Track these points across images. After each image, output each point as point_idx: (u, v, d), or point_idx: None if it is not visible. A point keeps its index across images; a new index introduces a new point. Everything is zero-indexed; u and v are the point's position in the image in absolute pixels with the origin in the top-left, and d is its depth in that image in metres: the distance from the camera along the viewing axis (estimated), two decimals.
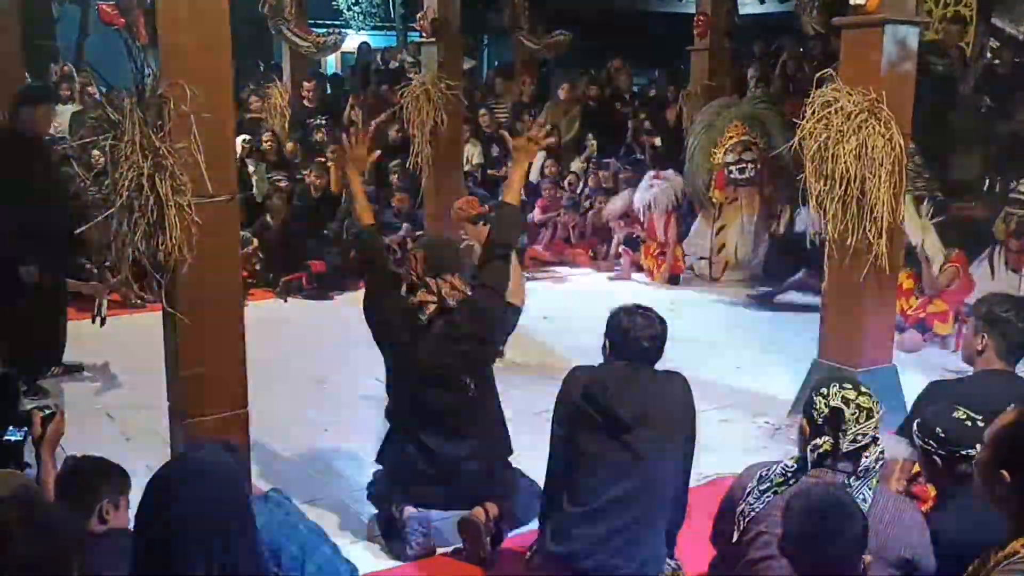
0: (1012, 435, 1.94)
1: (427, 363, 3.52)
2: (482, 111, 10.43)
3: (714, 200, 8.15)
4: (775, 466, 2.66)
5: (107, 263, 7.19)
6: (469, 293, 3.58)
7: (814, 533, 2.24)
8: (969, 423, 2.75)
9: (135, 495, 3.89)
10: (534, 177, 9.97)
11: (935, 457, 2.75)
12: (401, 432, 3.67)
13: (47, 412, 2.98)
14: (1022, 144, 7.67)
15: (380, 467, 3.84)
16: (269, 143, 9.33)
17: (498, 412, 3.72)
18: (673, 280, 8.08)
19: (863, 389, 2.61)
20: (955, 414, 2.76)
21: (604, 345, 3.12)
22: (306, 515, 3.25)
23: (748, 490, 2.63)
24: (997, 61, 8.77)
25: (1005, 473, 1.90)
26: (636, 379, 2.99)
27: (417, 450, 3.59)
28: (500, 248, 3.66)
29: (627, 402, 2.92)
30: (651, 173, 8.53)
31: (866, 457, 2.54)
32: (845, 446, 2.52)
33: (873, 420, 2.55)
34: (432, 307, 3.55)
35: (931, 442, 2.75)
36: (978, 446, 2.56)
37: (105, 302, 6.06)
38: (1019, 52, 8.79)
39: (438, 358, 3.51)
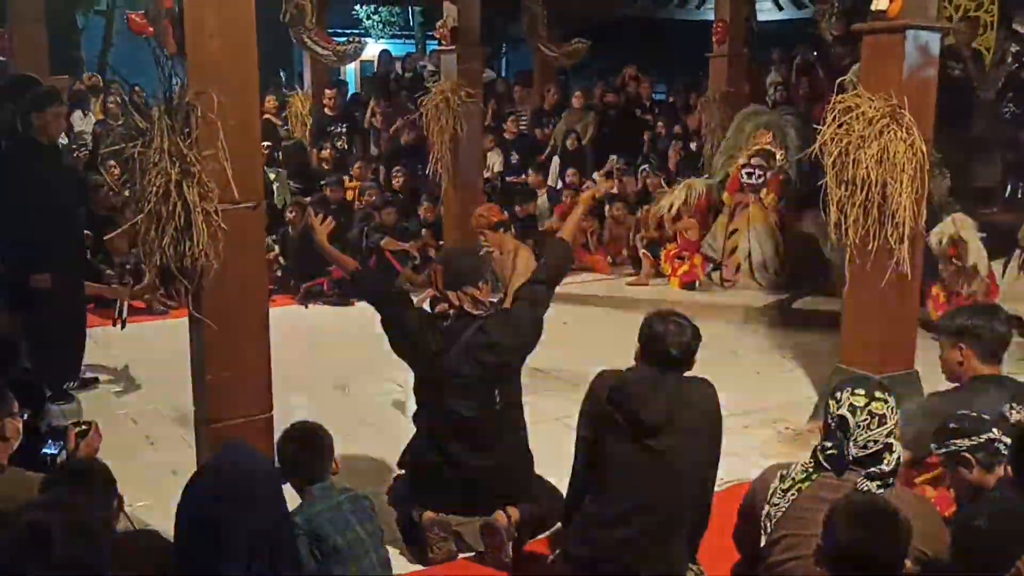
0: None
1: (455, 372, 3.52)
2: (510, 118, 10.49)
3: (726, 202, 8.15)
4: (795, 464, 2.67)
5: (129, 267, 7.29)
6: (491, 302, 3.61)
7: (860, 542, 2.16)
8: (975, 414, 2.77)
9: (164, 497, 3.97)
10: (553, 181, 10.01)
11: (965, 455, 2.71)
12: (426, 439, 3.68)
13: (82, 428, 3.03)
14: None
15: (402, 471, 3.87)
16: (290, 151, 9.43)
17: (523, 423, 3.72)
18: (688, 286, 8.06)
19: (878, 395, 2.60)
20: (960, 414, 2.78)
21: (636, 350, 3.13)
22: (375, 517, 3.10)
23: (772, 491, 2.63)
24: (1016, 66, 8.73)
25: (1008, 468, 1.95)
26: (662, 384, 3.00)
27: (441, 459, 3.60)
28: (548, 274, 3.75)
29: (653, 406, 2.93)
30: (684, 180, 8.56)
31: (887, 464, 2.54)
32: (854, 452, 2.53)
33: (886, 426, 2.55)
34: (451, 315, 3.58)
35: (954, 441, 2.73)
36: (995, 430, 2.59)
37: (127, 305, 6.12)
38: None
39: (466, 367, 3.51)
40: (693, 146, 9.88)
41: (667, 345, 3.03)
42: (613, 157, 10.02)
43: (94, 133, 9.25)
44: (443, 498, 3.64)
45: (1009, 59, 8.95)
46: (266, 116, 9.93)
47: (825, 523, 2.27)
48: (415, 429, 3.78)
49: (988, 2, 8.63)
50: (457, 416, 3.54)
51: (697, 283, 8.05)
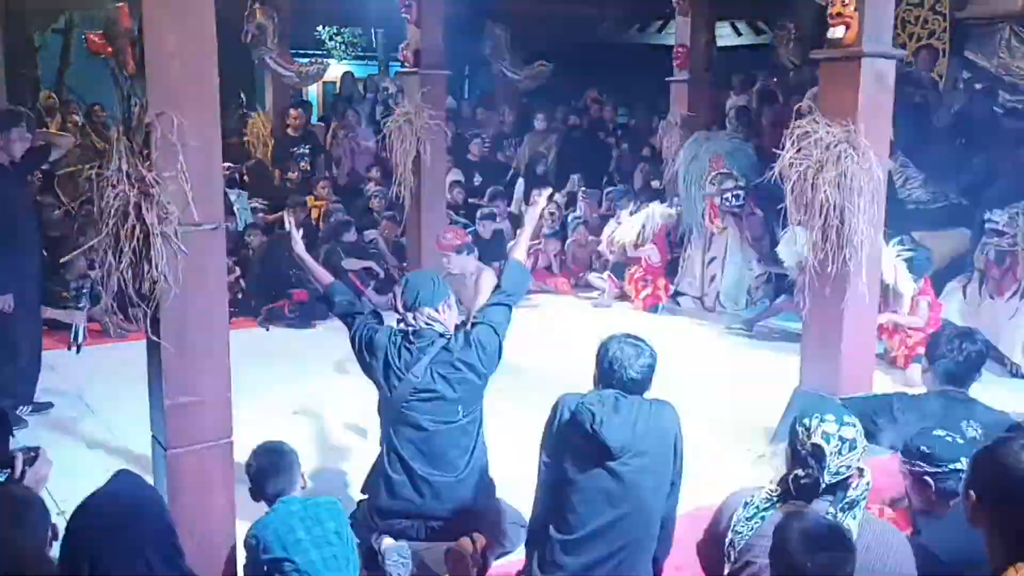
0: (982, 457, 2.03)
1: (418, 388, 3.56)
2: (475, 140, 10.51)
3: (713, 230, 8.23)
4: (759, 491, 2.67)
5: (85, 291, 7.16)
6: (452, 322, 3.67)
7: (809, 564, 2.17)
8: (950, 439, 2.79)
9: None
10: (516, 208, 10.03)
11: (926, 478, 2.77)
12: (388, 456, 3.66)
13: (30, 455, 2.94)
14: (996, 175, 7.79)
15: (364, 496, 3.83)
16: (252, 172, 9.36)
17: (484, 443, 3.74)
18: (652, 309, 8.12)
19: (846, 419, 2.60)
20: (936, 432, 2.80)
21: (595, 374, 3.13)
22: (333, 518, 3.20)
23: (735, 518, 2.63)
24: (971, 95, 8.94)
25: (972, 494, 1.98)
26: (625, 407, 3.00)
27: (405, 478, 3.58)
28: (506, 297, 3.80)
29: (615, 430, 2.93)
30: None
31: (853, 489, 2.53)
32: (827, 479, 2.52)
33: (856, 451, 2.54)
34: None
35: (919, 463, 2.78)
36: (963, 460, 2.61)
37: (83, 329, 6.00)
38: (993, 85, 8.97)
39: (430, 384, 3.56)
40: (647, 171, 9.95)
41: (625, 368, 3.03)
42: (574, 177, 10.08)
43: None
44: (404, 521, 3.63)
45: (961, 86, 9.17)
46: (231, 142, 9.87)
47: (780, 543, 2.26)
48: (379, 450, 3.76)
49: (940, 31, 8.87)
50: (420, 431, 3.57)
51: (660, 306, 8.12)
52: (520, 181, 10.17)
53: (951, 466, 2.71)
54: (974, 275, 6.85)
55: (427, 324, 3.64)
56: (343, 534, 3.16)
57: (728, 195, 8.02)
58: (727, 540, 2.60)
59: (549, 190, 4.71)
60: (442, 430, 3.58)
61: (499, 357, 3.71)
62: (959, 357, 3.32)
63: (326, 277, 4.08)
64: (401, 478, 3.60)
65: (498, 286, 3.90)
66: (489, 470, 3.77)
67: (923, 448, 2.79)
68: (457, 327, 3.77)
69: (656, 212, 8.45)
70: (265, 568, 3.03)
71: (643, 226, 8.38)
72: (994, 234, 6.60)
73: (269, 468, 3.21)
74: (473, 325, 3.74)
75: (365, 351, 3.69)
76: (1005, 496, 1.91)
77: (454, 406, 3.59)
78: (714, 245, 8.21)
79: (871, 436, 3.29)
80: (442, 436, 3.58)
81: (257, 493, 3.23)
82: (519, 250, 4.01)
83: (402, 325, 3.70)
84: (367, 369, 3.72)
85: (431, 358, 3.58)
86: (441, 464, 3.59)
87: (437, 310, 3.67)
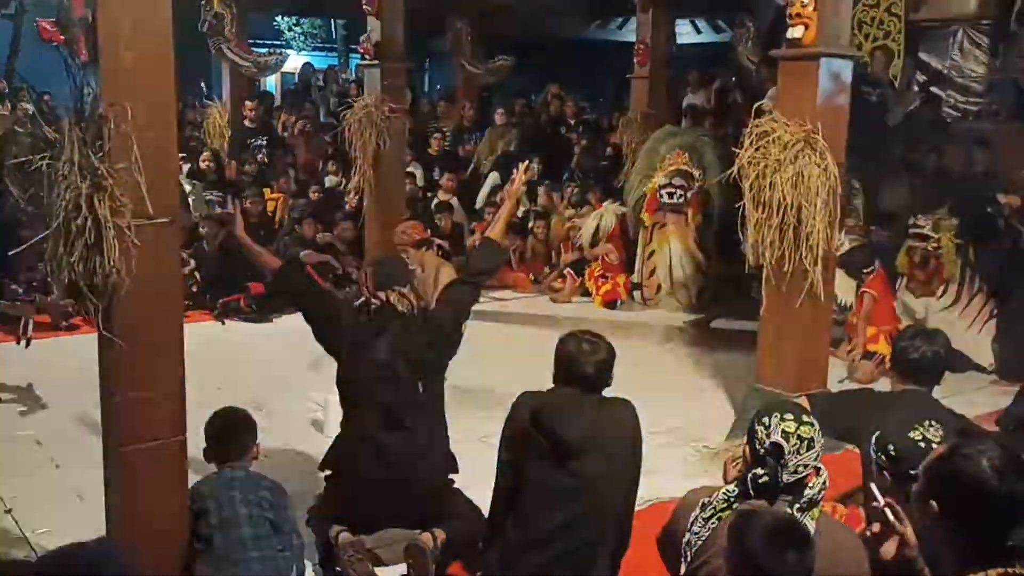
0: (938, 468, 2.01)
1: (378, 362, 3.59)
2: (436, 135, 10.44)
3: (645, 223, 8.22)
4: (717, 492, 2.68)
5: (35, 283, 7.01)
6: (417, 303, 3.72)
7: (779, 564, 2.15)
8: (923, 444, 2.82)
9: (69, 523, 3.81)
10: (480, 203, 9.98)
11: (885, 472, 2.81)
12: (349, 433, 3.68)
13: None
14: (947, 178, 7.94)
15: (321, 489, 3.81)
16: (207, 163, 9.22)
17: (445, 426, 3.76)
18: (609, 305, 8.13)
19: (805, 419, 2.61)
20: (912, 434, 2.83)
21: (553, 372, 3.13)
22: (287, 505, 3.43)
23: (692, 519, 2.64)
24: (924, 95, 9.09)
25: (933, 504, 1.97)
26: (583, 405, 3.00)
27: (366, 448, 3.58)
28: (473, 276, 3.93)
29: (574, 428, 2.93)
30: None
31: (809, 488, 2.55)
32: (785, 478, 2.52)
33: (814, 450, 2.55)
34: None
35: (883, 457, 2.82)
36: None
37: (31, 323, 5.88)
38: (944, 87, 9.13)
39: (389, 358, 3.59)
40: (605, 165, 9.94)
41: (582, 365, 3.04)
42: (526, 161, 9.99)
43: (1, 142, 8.88)
44: (361, 511, 3.63)
45: (916, 87, 9.32)
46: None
47: (727, 541, 2.25)
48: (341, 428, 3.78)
49: (896, 32, 8.99)
50: (381, 404, 3.59)
51: (619, 302, 8.13)
52: (491, 176, 10.09)
53: (913, 471, 2.74)
54: (901, 279, 7.04)
55: (394, 303, 3.67)
56: (276, 504, 3.36)
57: (663, 191, 7.98)
58: (684, 540, 2.61)
59: (526, 163, 4.77)
60: (404, 402, 3.60)
61: (459, 333, 3.80)
62: (914, 355, 3.36)
63: (272, 261, 3.97)
64: (362, 450, 3.61)
65: (469, 263, 4.05)
66: (451, 454, 3.79)
67: (890, 448, 2.83)
68: (419, 308, 3.81)
69: (609, 210, 8.45)
70: (195, 517, 3.27)
71: (597, 226, 8.38)
72: (918, 238, 6.81)
73: (224, 432, 3.42)
74: (437, 303, 3.84)
75: (323, 328, 3.72)
76: (969, 505, 1.91)
77: (414, 381, 3.61)
78: (654, 238, 8.16)
79: (838, 434, 3.34)
80: (402, 411, 3.59)
81: (210, 454, 3.42)
82: (494, 230, 4.08)
83: (365, 303, 3.76)
84: (325, 344, 3.74)
85: (392, 334, 3.61)
86: (402, 439, 3.59)
87: (404, 290, 3.72)
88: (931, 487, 2.00)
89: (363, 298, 3.78)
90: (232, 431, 3.45)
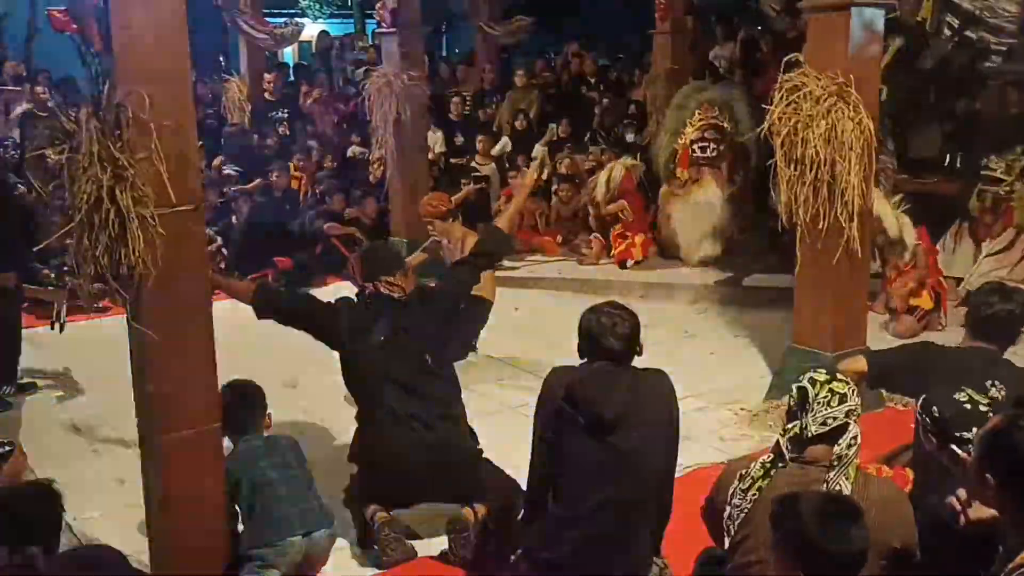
0: (995, 441, 1.96)
1: (384, 340, 3.69)
2: (454, 98, 10.31)
3: (680, 178, 8.09)
4: (754, 464, 2.64)
5: (66, 267, 7.02)
6: (407, 289, 3.81)
7: (832, 543, 2.08)
8: (970, 406, 2.74)
9: (113, 508, 3.85)
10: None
11: (930, 434, 2.74)
12: (369, 417, 3.74)
13: (5, 449, 2.86)
14: (982, 121, 7.73)
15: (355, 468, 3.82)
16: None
17: (461, 400, 3.84)
18: (622, 264, 8.02)
19: (841, 377, 2.60)
20: (958, 396, 2.75)
21: (580, 347, 3.06)
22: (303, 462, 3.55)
23: (732, 491, 2.60)
24: (956, 38, 8.82)
25: (989, 476, 1.92)
26: (618, 378, 2.94)
27: (388, 423, 3.64)
28: (481, 259, 4.05)
29: (610, 403, 2.88)
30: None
31: (838, 445, 2.51)
32: (813, 428, 2.49)
33: (846, 405, 2.52)
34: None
35: (927, 420, 2.75)
36: (974, 430, 2.56)
37: (64, 307, 5.90)
38: (977, 28, 8.85)
39: (393, 334, 3.69)
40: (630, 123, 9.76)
41: (608, 340, 2.97)
42: (552, 126, 9.86)
43: (21, 126, 8.86)
44: (396, 488, 3.67)
45: (946, 30, 9.05)
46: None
47: (785, 512, 2.17)
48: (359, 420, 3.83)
49: None
50: (393, 379, 3.65)
51: (630, 261, 8.00)
52: (504, 139, 9.99)
53: (960, 434, 2.66)
54: (961, 221, 6.86)
55: (384, 291, 3.76)
56: (301, 461, 3.52)
57: (696, 146, 7.84)
58: (725, 514, 2.57)
59: (538, 160, 4.78)
60: (415, 374, 3.67)
61: (456, 311, 3.94)
62: (988, 311, 3.24)
63: (245, 288, 4.03)
64: (385, 424, 3.66)
65: (478, 247, 4.11)
66: (474, 433, 3.87)
67: (935, 411, 2.74)
68: (415, 290, 3.90)
69: (617, 165, 8.31)
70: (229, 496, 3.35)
71: (606, 181, 8.24)
72: (990, 181, 6.61)
73: (235, 403, 3.46)
74: (436, 285, 3.98)
75: (317, 329, 3.84)
76: None
77: (420, 353, 3.69)
78: (688, 194, 8.03)
79: (897, 387, 3.27)
80: (415, 380, 3.67)
81: (224, 428, 3.42)
82: (503, 219, 4.19)
83: (362, 291, 3.89)
84: (326, 342, 3.85)
85: (389, 317, 3.71)
86: (421, 404, 3.66)
87: (393, 278, 3.79)
88: (987, 459, 1.94)
89: (359, 291, 3.93)
90: (244, 403, 3.52)
